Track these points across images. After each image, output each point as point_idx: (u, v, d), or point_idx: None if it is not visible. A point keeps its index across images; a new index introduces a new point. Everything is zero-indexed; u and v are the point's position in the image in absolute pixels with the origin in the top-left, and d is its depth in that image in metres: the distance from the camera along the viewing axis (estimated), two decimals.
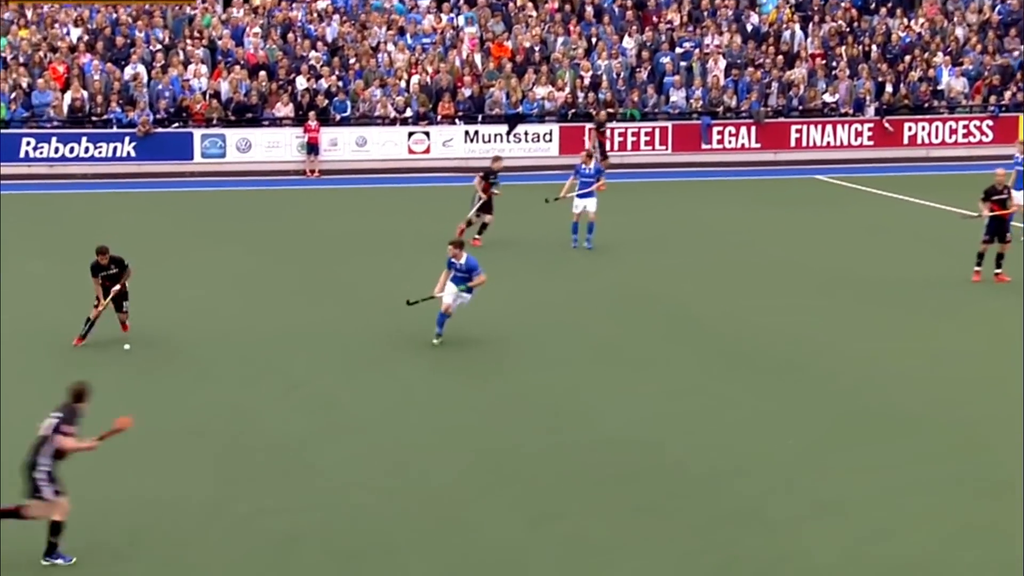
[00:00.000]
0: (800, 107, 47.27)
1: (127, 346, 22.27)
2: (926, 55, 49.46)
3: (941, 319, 24.96)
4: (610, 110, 44.88)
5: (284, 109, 43.90)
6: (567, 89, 46.11)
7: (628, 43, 48.47)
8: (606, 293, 26.80)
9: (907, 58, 49.14)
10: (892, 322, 24.56)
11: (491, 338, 23.33)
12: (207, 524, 15.42)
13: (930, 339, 23.59)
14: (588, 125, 44.33)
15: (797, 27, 49.95)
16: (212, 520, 15.55)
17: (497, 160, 32.42)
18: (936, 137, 47.44)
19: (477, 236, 31.04)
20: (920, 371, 21.56)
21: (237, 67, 44.71)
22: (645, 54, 47.99)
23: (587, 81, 46.53)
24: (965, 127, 47.73)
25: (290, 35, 46.54)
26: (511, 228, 31.84)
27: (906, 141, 47.21)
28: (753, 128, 46.41)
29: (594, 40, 48.30)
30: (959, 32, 50.97)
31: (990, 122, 47.57)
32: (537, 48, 47.74)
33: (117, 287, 22.46)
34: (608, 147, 43.69)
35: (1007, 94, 48.12)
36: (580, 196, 30.89)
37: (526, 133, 45.10)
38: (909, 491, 16.38)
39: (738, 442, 18.10)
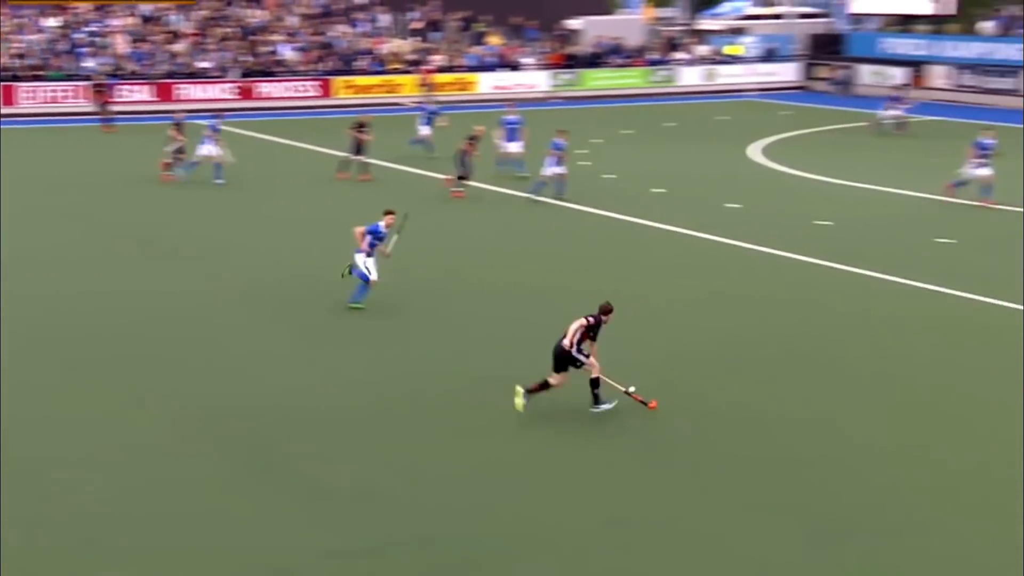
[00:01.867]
0: (184, 71, 52.07)
1: None
2: (271, 35, 55.66)
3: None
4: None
5: None
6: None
7: (51, 22, 51.60)
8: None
9: (258, 36, 55.21)
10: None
11: None
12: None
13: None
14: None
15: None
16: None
17: (364, 116, 34.23)
18: (281, 93, 52.84)
19: (343, 170, 33.39)
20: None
21: None
22: (65, 30, 51.38)
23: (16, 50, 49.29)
24: (299, 86, 53.40)
25: None
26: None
27: (260, 95, 52.20)
28: (149, 86, 50.59)
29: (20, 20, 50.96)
30: (293, 19, 57.76)
31: (315, 82, 53.58)
32: None
33: None
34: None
35: (327, 63, 54.94)
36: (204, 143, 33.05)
37: None
38: None
39: None
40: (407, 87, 54.95)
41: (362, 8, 60.35)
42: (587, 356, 15.63)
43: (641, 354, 18.15)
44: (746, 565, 11.99)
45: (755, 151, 40.64)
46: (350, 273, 20.32)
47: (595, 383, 15.71)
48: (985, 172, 30.09)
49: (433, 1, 61.20)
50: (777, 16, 69.98)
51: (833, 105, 54.42)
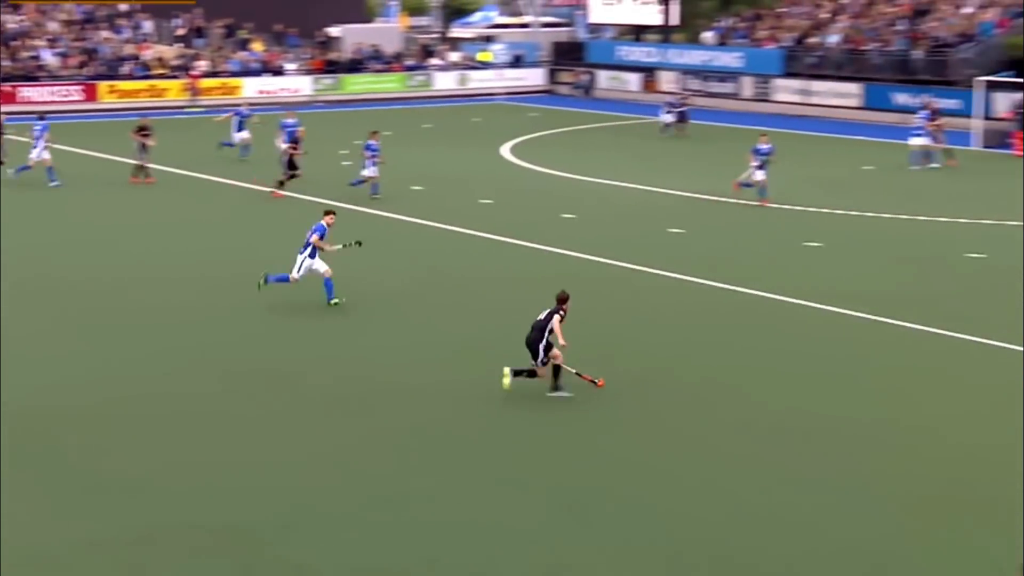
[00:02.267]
0: None
1: None
2: (32, 40, 53.43)
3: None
4: None
5: None
6: None
7: None
8: None
9: (18, 41, 52.88)
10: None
11: None
12: None
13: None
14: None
15: None
16: None
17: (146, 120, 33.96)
18: (44, 97, 50.03)
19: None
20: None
21: None
22: None
23: None
24: (63, 91, 51.34)
25: None
26: None
27: (22, 99, 49.32)
28: None
29: None
30: (54, 25, 55.42)
31: (79, 87, 51.72)
32: None
33: None
34: None
35: (91, 68, 53.06)
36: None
37: None
38: None
39: None
40: (173, 92, 53.47)
41: (125, 15, 58.40)
42: (544, 363, 15.57)
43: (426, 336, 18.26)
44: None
45: (506, 151, 41.32)
46: (265, 283, 20.20)
47: (520, 372, 15.66)
48: (760, 176, 30.94)
49: (196, 8, 59.73)
50: (524, 25, 71.29)
51: (576, 107, 55.76)
